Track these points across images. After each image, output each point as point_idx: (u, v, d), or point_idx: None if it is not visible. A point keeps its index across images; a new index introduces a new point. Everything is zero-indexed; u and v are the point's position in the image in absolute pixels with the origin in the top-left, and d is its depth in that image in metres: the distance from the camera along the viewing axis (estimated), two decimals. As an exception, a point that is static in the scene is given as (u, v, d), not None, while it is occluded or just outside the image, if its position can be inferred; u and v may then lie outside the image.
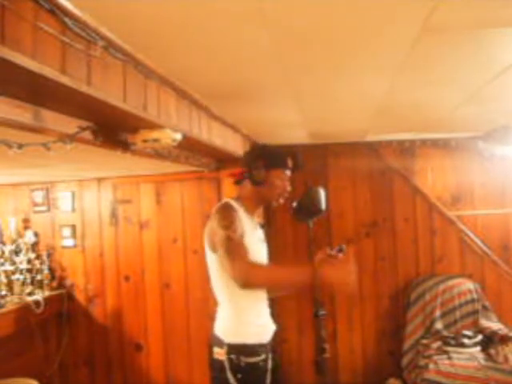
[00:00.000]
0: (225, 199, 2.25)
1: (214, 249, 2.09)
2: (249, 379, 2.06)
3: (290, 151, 2.30)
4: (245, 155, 2.32)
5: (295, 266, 2.00)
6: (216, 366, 2.09)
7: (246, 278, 1.86)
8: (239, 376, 2.03)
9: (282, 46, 1.84)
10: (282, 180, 2.19)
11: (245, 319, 2.12)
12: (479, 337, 3.88)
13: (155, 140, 2.22)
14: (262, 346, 2.13)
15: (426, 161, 4.43)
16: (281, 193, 2.20)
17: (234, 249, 1.93)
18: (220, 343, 2.09)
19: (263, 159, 2.17)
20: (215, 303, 2.24)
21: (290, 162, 2.22)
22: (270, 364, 2.15)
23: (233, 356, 2.05)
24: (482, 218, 4.38)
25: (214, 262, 2.13)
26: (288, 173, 2.23)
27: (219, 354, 2.08)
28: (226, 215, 2.04)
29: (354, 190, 4.48)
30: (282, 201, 2.23)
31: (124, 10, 1.44)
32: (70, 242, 4.38)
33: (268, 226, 4.27)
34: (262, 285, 2.04)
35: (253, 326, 2.13)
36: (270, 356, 2.16)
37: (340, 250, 2.30)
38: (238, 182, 2.26)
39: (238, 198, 2.21)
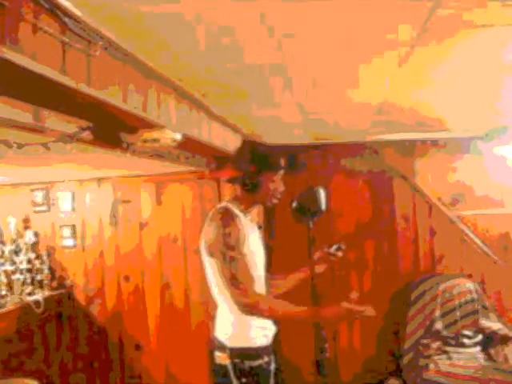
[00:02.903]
0: (223, 203, 2.21)
1: (211, 254, 2.07)
2: (254, 383, 2.04)
3: (286, 151, 2.28)
4: (236, 156, 2.26)
5: (294, 308, 2.01)
6: (219, 372, 2.06)
7: (245, 307, 1.96)
8: (244, 380, 2.01)
9: (283, 46, 1.84)
10: (274, 182, 2.16)
11: (245, 322, 2.09)
12: (479, 337, 3.88)
13: (155, 140, 2.22)
14: (264, 348, 2.12)
15: (426, 161, 4.43)
16: (273, 195, 2.18)
17: (238, 274, 1.96)
18: (222, 348, 2.06)
19: (254, 164, 2.11)
20: (215, 303, 2.23)
21: (282, 162, 2.18)
22: (272, 366, 2.15)
23: (237, 360, 2.02)
24: (482, 217, 4.37)
25: (212, 267, 2.10)
26: (280, 173, 2.19)
27: (222, 358, 2.05)
28: (230, 230, 2.00)
29: (354, 189, 4.48)
30: (275, 201, 2.21)
31: (124, 10, 1.44)
32: (70, 242, 4.38)
33: (268, 226, 4.27)
34: (259, 316, 2.06)
35: (254, 329, 2.11)
36: (272, 358, 2.16)
37: (338, 249, 2.32)
38: (231, 182, 2.23)
39: (234, 198, 2.19)
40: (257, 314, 2.02)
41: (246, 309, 1.96)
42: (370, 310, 1.96)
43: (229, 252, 1.97)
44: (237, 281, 1.95)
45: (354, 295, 2.03)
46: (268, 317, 2.07)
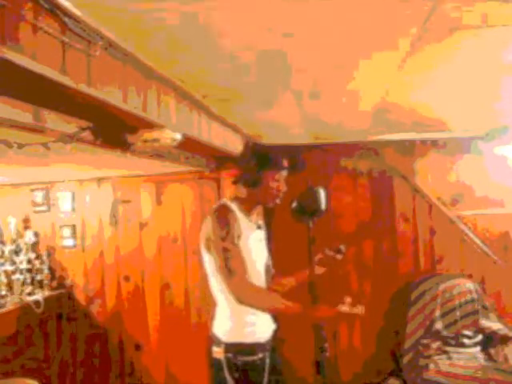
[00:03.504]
0: (222, 200, 2.26)
1: (210, 251, 2.11)
2: (246, 378, 2.08)
3: (286, 151, 2.30)
4: (240, 157, 2.33)
5: (287, 303, 2.03)
6: (214, 365, 2.12)
7: (239, 297, 1.98)
8: (236, 375, 2.06)
9: (283, 46, 1.84)
10: (276, 181, 2.18)
11: (241, 318, 2.13)
12: (479, 337, 3.88)
13: (155, 140, 2.22)
14: (259, 344, 2.14)
15: (426, 161, 4.43)
16: (275, 194, 2.20)
17: (231, 263, 1.99)
18: (218, 342, 2.12)
19: (256, 161, 2.16)
20: (215, 302, 2.24)
21: (284, 163, 2.21)
22: (267, 363, 2.16)
23: (230, 355, 2.07)
24: (482, 217, 4.37)
25: (210, 263, 2.14)
26: (283, 173, 2.21)
27: (217, 352, 2.10)
28: (223, 222, 2.05)
29: (354, 190, 4.47)
30: (278, 201, 2.23)
31: (124, 9, 1.44)
32: (70, 242, 4.38)
33: (268, 226, 4.27)
34: (253, 307, 2.08)
35: (249, 325, 2.14)
36: (267, 355, 2.17)
37: (338, 251, 2.32)
38: (234, 182, 2.27)
39: (234, 199, 2.21)
40: (250, 305, 2.04)
41: (241, 299, 1.98)
42: (360, 309, 1.96)
43: (222, 243, 2.01)
44: (230, 271, 1.98)
45: (348, 300, 2.03)
46: (261, 308, 2.09)
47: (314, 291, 2.10)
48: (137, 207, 4.33)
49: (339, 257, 2.32)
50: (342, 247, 2.33)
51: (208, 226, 2.12)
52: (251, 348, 2.11)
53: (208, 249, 2.12)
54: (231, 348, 2.08)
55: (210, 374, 2.17)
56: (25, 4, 1.24)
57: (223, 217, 2.07)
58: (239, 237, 2.06)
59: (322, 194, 2.22)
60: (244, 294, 1.98)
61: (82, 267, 4.38)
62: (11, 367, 3.64)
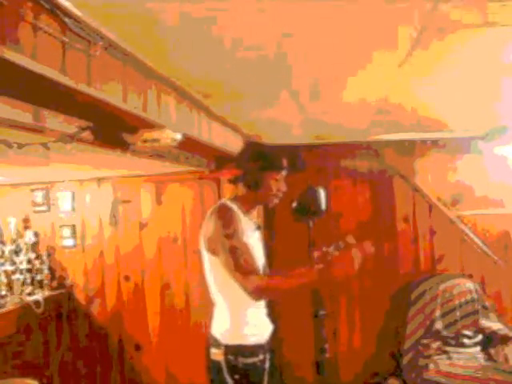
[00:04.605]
0: (222, 200, 2.25)
1: (212, 252, 2.09)
2: (246, 380, 2.06)
3: (286, 151, 2.29)
4: (239, 156, 2.29)
5: (299, 273, 2.04)
6: (214, 368, 2.09)
7: (256, 294, 1.95)
8: (237, 377, 2.03)
9: (283, 46, 1.84)
10: (277, 181, 2.18)
11: (241, 320, 2.12)
12: (479, 337, 3.88)
13: (155, 140, 2.22)
14: (259, 346, 2.13)
15: (426, 161, 4.43)
16: (276, 194, 2.20)
17: (242, 261, 1.96)
18: (217, 344, 2.09)
19: (257, 162, 2.14)
20: (214, 302, 2.23)
21: (284, 162, 2.21)
22: (267, 364, 2.15)
23: (230, 357, 2.05)
24: (482, 217, 4.38)
25: (211, 264, 2.12)
26: (283, 173, 2.21)
27: (216, 355, 2.08)
28: (228, 221, 2.03)
29: (354, 190, 4.47)
30: (276, 201, 2.23)
31: (124, 10, 1.44)
32: (70, 242, 4.38)
33: (268, 226, 4.27)
34: (274, 298, 2.11)
35: (250, 327, 2.13)
36: (267, 356, 2.16)
37: (337, 248, 2.33)
38: (232, 182, 2.25)
39: (234, 199, 2.20)
40: (267, 296, 2.04)
41: (257, 293, 1.95)
42: (367, 245, 1.96)
43: (229, 242, 1.98)
44: (241, 268, 1.95)
45: (351, 239, 2.04)
46: (278, 295, 2.08)
47: (315, 290, 2.10)
48: (137, 207, 4.33)
49: (337, 253, 2.32)
50: (340, 244, 2.34)
51: (210, 226, 2.09)
52: (252, 350, 2.10)
53: (211, 249, 2.09)
54: (231, 350, 2.06)
55: (208, 376, 2.15)
56: (25, 4, 1.24)
57: (227, 215, 2.05)
58: (243, 235, 2.05)
59: (322, 194, 2.22)
60: (261, 291, 1.95)
61: (82, 267, 4.38)
62: (11, 367, 3.64)
